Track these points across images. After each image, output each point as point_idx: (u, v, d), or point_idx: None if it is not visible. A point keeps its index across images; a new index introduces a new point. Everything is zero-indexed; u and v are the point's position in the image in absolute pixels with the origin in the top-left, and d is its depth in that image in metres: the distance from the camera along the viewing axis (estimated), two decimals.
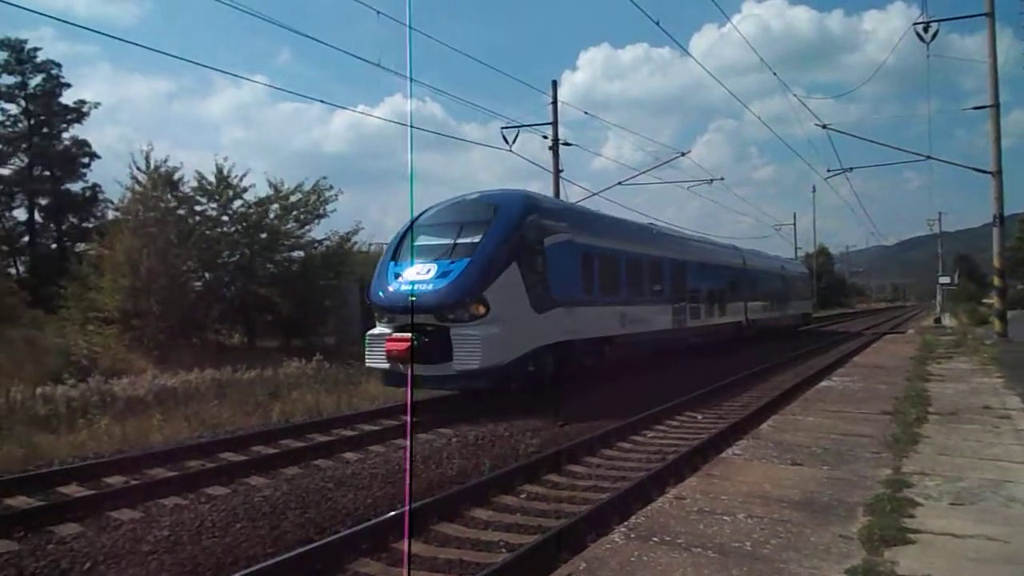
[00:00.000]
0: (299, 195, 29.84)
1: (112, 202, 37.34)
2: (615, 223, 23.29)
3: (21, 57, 44.31)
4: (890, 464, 8.01)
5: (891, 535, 5.52)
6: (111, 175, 69.69)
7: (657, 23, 20.07)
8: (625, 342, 20.70)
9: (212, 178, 28.52)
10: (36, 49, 44.63)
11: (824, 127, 31.56)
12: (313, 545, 7.15)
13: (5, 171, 44.29)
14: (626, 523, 6.11)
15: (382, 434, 13.14)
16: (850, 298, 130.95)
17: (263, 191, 29.46)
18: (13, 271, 41.01)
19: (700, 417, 15.27)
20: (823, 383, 16.26)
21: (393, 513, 8.15)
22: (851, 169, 37.80)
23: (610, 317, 20.02)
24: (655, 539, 5.52)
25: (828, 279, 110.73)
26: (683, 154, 37.28)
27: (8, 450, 11.67)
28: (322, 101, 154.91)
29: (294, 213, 29.82)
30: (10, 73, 43.92)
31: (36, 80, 44.68)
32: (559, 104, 32.29)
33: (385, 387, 16.63)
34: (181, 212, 28.21)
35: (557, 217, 18.19)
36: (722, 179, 40.74)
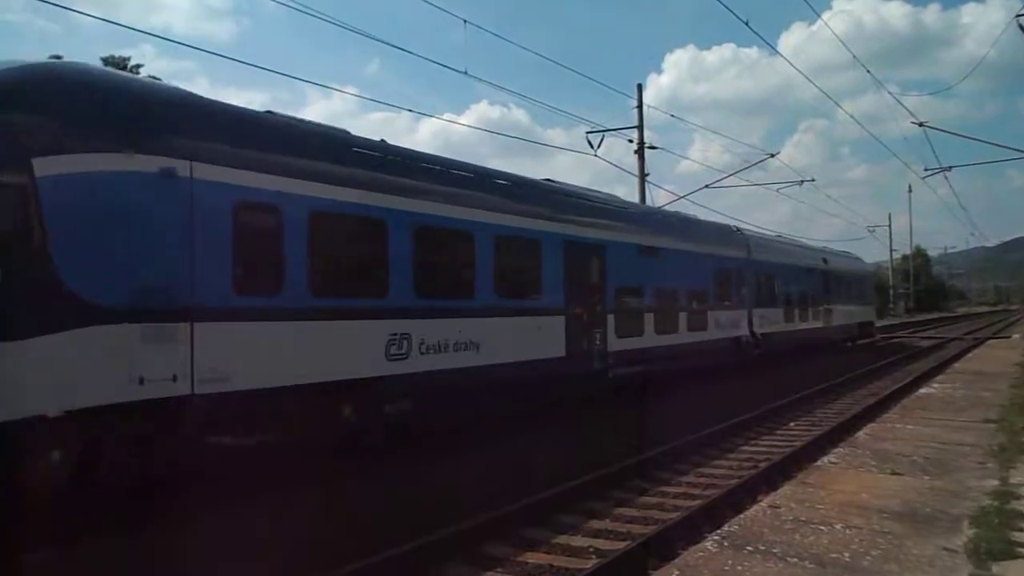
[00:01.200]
0: None
1: None
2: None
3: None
4: (996, 475, 7.71)
5: (999, 548, 5.32)
6: None
7: (746, 23, 19.76)
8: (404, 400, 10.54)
9: None
10: (138, 66, 46.46)
11: (921, 125, 30.48)
12: None
13: None
14: (718, 531, 6.04)
15: None
16: (949, 302, 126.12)
17: None
18: None
19: (793, 424, 14.94)
20: (922, 390, 15.74)
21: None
22: (950, 168, 36.27)
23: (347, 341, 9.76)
24: (749, 548, 5.44)
25: (926, 282, 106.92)
26: (772, 155, 36.41)
27: None
28: (410, 110, 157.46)
29: None
30: None
31: None
32: (644, 107, 32.04)
33: None
34: None
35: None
36: (813, 180, 39.50)
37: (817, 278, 30.07)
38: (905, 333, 48.91)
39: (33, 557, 6.30)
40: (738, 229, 25.19)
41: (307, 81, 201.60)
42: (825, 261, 31.89)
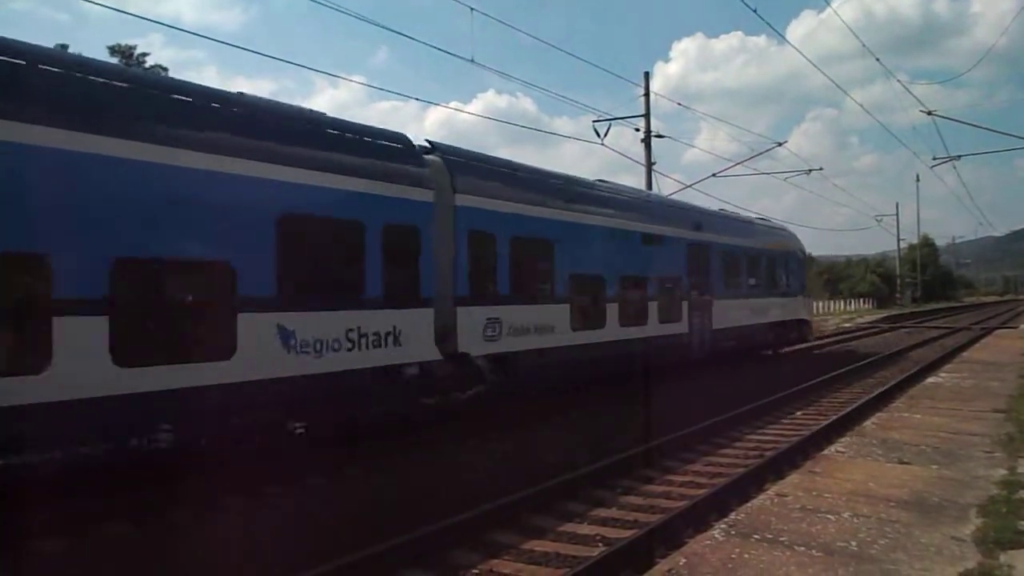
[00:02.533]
0: None
1: None
2: None
3: (130, 62, 46.32)
4: (1004, 464, 7.68)
5: (1007, 537, 5.30)
6: None
7: (754, 10, 19.65)
8: None
9: None
10: (145, 54, 46.75)
11: (930, 114, 30.38)
12: None
13: None
14: (725, 520, 6.02)
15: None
16: (957, 291, 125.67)
17: None
18: None
19: (799, 413, 14.91)
20: (930, 379, 15.68)
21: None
22: (959, 157, 36.20)
23: None
24: (756, 536, 5.42)
25: (933, 271, 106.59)
26: (780, 144, 36.25)
27: None
28: (417, 99, 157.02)
29: None
30: None
31: None
32: (652, 96, 31.94)
33: None
34: None
35: None
36: (820, 169, 39.25)
37: (678, 253, 19.23)
38: (915, 324, 48.61)
39: None
40: (595, 184, 17.48)
41: (315, 70, 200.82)
42: (699, 227, 20.64)
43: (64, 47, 40.11)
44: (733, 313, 21.70)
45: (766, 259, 24.97)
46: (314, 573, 6.17)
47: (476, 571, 6.83)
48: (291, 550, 6.89)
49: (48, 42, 8.83)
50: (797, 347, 28.03)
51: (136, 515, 7.88)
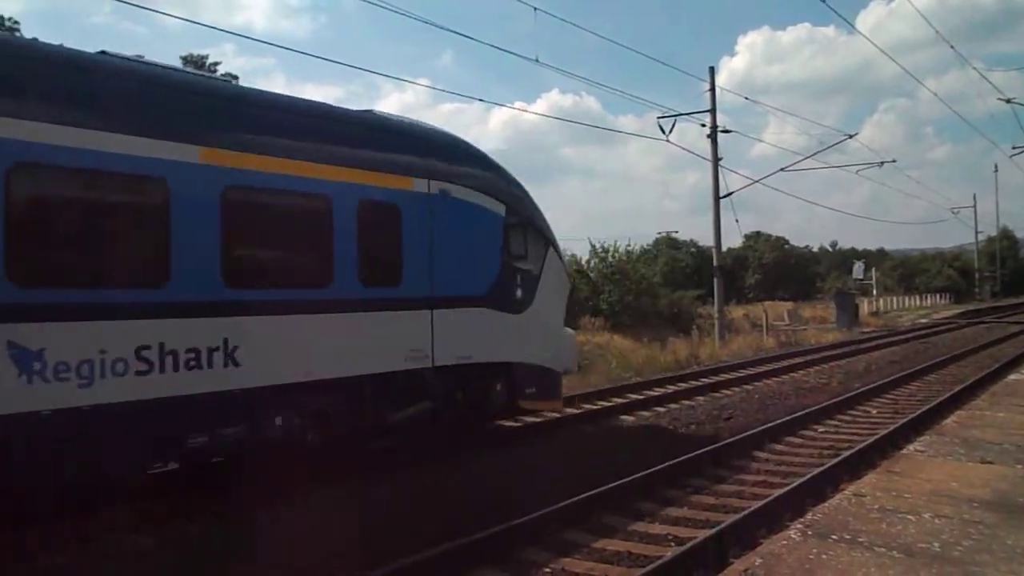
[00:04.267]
0: None
1: None
2: None
3: (203, 71, 47.80)
4: None
5: None
6: None
7: (823, 0, 19.24)
8: None
9: None
10: (216, 64, 48.10)
11: (1008, 101, 29.45)
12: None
13: None
14: (801, 520, 5.93)
15: (541, 426, 13.28)
16: None
17: None
18: None
19: (874, 412, 14.58)
20: (1012, 376, 15.16)
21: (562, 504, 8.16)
22: None
23: None
24: (834, 537, 5.32)
25: (1013, 265, 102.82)
26: (850, 136, 35.38)
27: None
28: (481, 100, 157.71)
29: None
30: None
31: None
32: (717, 91, 31.54)
33: None
34: None
35: None
36: (893, 161, 38.18)
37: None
38: (996, 320, 46.88)
39: None
40: None
41: (381, 74, 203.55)
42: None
43: (139, 57, 41.44)
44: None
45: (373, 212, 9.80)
46: (387, 570, 6.27)
47: (548, 570, 6.86)
48: (361, 549, 7.01)
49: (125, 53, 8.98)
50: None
51: None
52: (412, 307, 10.01)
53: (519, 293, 11.55)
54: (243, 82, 54.64)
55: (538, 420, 13.11)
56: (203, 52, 54.52)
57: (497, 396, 11.33)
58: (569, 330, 13.45)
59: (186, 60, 47.00)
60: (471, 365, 10.72)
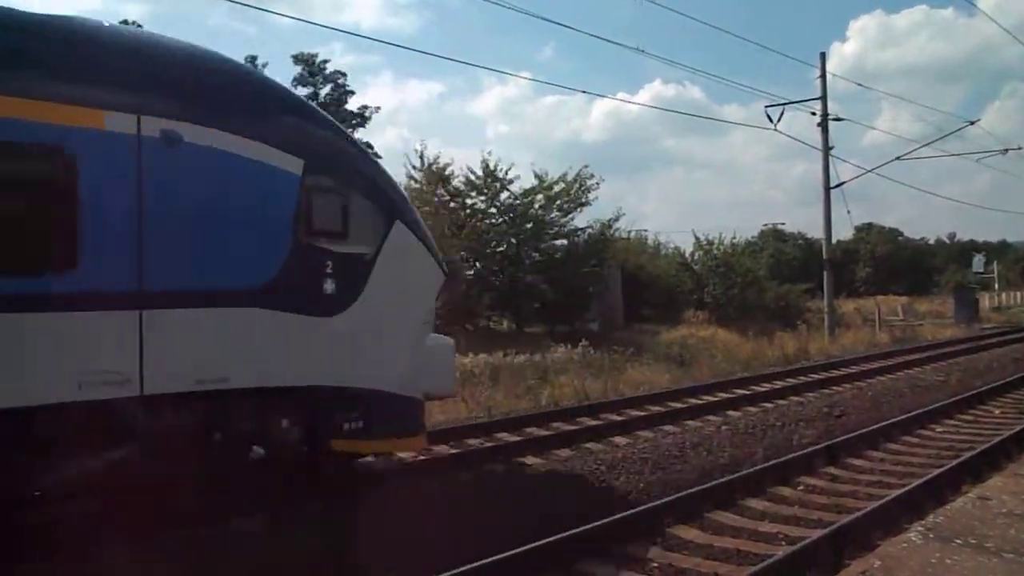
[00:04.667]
0: (562, 185, 30.48)
1: None
2: None
3: (312, 70, 49.60)
4: None
5: None
6: (392, 173, 74.85)
7: None
8: None
9: (480, 172, 29.88)
10: (325, 61, 49.83)
11: None
12: (583, 528, 7.25)
13: None
14: (922, 522, 5.75)
15: (649, 420, 13.20)
16: None
17: (527, 182, 30.13)
18: None
19: (997, 412, 13.92)
20: None
21: (667, 499, 8.15)
22: None
23: None
24: (958, 541, 5.14)
25: None
26: (972, 123, 33.79)
27: None
28: (583, 91, 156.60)
29: (557, 203, 30.52)
30: (304, 85, 49.39)
31: (326, 90, 50.04)
32: (828, 77, 30.58)
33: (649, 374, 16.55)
34: (453, 205, 29.83)
35: None
36: (1019, 148, 36.23)
37: None
38: None
39: None
40: None
41: (483, 67, 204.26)
42: None
43: (253, 58, 42.38)
44: None
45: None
46: (492, 560, 6.33)
47: (655, 565, 6.83)
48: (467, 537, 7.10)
49: (238, 54, 9.31)
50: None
51: None
52: (99, 305, 6.58)
53: (331, 286, 7.86)
54: (352, 80, 56.26)
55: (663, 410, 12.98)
56: (313, 51, 55.91)
57: (283, 437, 7.79)
58: (441, 338, 9.47)
59: (296, 59, 48.71)
60: (227, 392, 7.26)
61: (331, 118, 9.06)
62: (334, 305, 7.87)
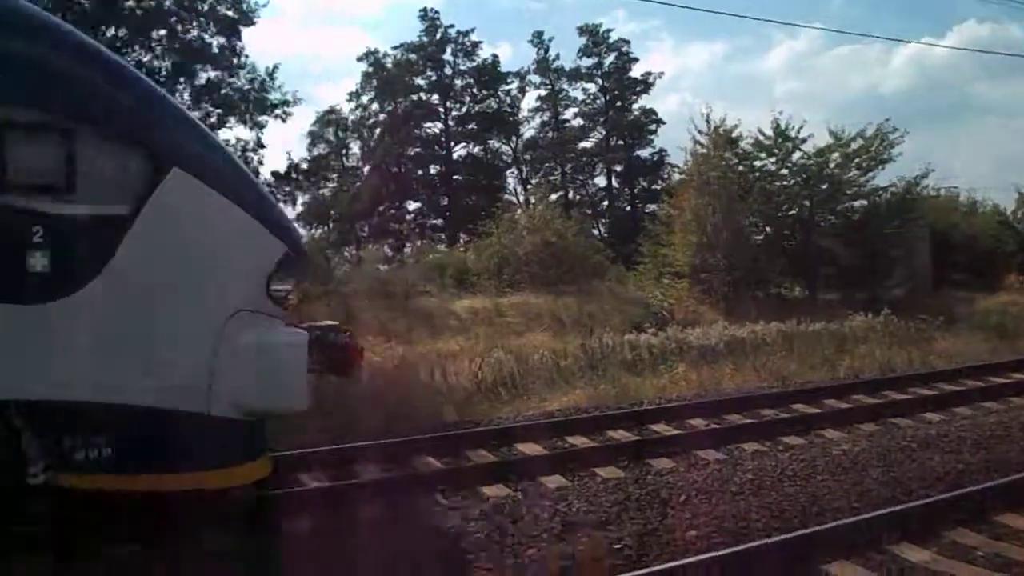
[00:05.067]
0: (860, 141, 28.59)
1: (676, 165, 40.27)
2: None
3: (596, 39, 50.53)
4: None
5: None
6: (673, 140, 74.50)
7: None
8: None
9: (770, 132, 28.80)
10: (609, 30, 50.55)
11: None
12: (905, 505, 6.84)
13: (588, 144, 51.97)
14: None
15: (966, 395, 12.09)
16: None
17: (820, 141, 28.68)
18: (596, 231, 46.81)
19: None
20: None
21: (992, 483, 7.44)
22: None
23: None
24: None
25: None
26: None
27: (604, 388, 13.26)
28: (878, 37, 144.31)
29: (856, 160, 28.71)
30: (588, 56, 50.48)
31: (609, 59, 50.94)
32: None
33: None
34: (741, 168, 29.05)
35: None
36: None
37: None
38: None
39: None
40: None
41: (770, 20, 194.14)
42: None
43: (539, 33, 44.16)
44: None
45: None
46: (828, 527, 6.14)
47: (980, 554, 6.27)
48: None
49: (524, 31, 9.64)
50: None
51: None
52: None
53: (40, 261, 5.43)
54: (634, 47, 56.44)
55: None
56: (596, 21, 56.68)
57: None
58: (284, 334, 6.48)
59: (581, 31, 49.95)
60: None
61: (61, 22, 6.59)
62: (49, 288, 5.48)
